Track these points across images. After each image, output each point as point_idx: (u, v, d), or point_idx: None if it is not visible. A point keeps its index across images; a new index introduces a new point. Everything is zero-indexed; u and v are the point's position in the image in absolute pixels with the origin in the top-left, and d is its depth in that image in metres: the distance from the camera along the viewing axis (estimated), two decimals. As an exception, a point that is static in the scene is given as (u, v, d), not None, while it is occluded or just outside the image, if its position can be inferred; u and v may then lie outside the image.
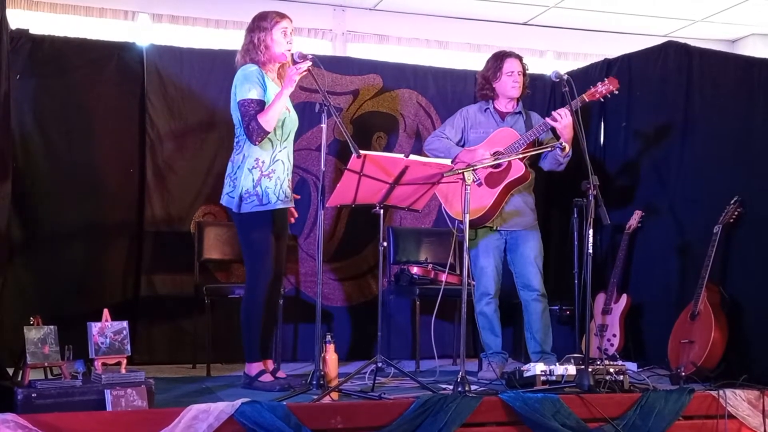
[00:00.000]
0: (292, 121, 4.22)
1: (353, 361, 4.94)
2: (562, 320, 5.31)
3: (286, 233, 4.36)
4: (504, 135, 4.72)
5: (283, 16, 4.19)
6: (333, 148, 5.51)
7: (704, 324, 4.45)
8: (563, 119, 4.54)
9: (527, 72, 4.88)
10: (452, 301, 4.98)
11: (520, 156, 4.54)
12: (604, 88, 4.64)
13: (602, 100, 4.70)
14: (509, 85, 4.78)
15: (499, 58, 4.83)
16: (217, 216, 5.22)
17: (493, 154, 4.65)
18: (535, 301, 4.76)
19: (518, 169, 4.64)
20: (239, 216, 4.13)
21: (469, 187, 3.97)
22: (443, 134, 4.90)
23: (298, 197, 4.40)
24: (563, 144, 4.38)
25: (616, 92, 4.66)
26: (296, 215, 4.43)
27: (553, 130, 4.69)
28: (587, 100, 4.64)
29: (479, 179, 4.68)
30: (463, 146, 4.84)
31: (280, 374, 4.24)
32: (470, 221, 4.66)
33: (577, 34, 7.62)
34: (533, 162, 4.84)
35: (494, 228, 4.75)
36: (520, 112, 4.86)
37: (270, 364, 4.27)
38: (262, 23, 4.16)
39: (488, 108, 4.87)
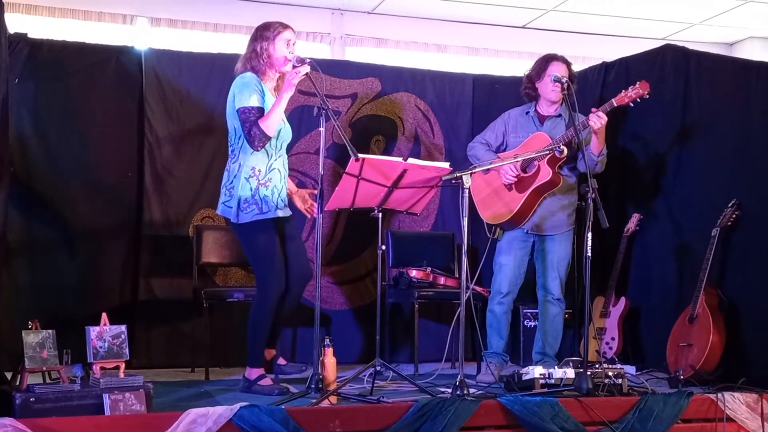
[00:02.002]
0: (287, 132, 4.24)
1: (352, 364, 4.94)
2: (563, 324, 5.31)
3: (299, 235, 4.37)
4: (537, 140, 4.72)
5: (286, 26, 4.19)
6: (331, 151, 5.51)
7: (703, 327, 4.45)
8: (598, 121, 4.52)
9: (575, 78, 4.82)
10: (454, 304, 4.97)
11: (533, 158, 4.54)
12: (634, 92, 4.55)
13: (632, 104, 4.61)
14: (549, 88, 4.77)
15: (545, 60, 4.83)
16: (216, 220, 5.22)
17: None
18: (549, 303, 4.79)
19: (545, 174, 4.64)
20: (239, 226, 4.13)
21: (467, 191, 3.97)
22: (483, 140, 4.94)
23: (316, 192, 4.39)
24: (561, 147, 4.39)
25: (647, 96, 4.56)
26: (314, 209, 4.37)
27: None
28: (616, 105, 4.58)
29: (510, 184, 4.72)
30: (504, 150, 4.86)
31: (281, 361, 4.27)
32: (500, 224, 4.74)
33: (575, 38, 7.63)
34: (573, 165, 4.83)
35: (523, 229, 4.76)
36: (560, 115, 4.85)
37: (271, 352, 4.28)
38: (265, 33, 4.17)
39: (530, 111, 4.89)
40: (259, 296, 4.18)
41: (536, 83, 4.84)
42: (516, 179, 4.72)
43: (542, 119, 4.85)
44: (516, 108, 4.99)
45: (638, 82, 4.59)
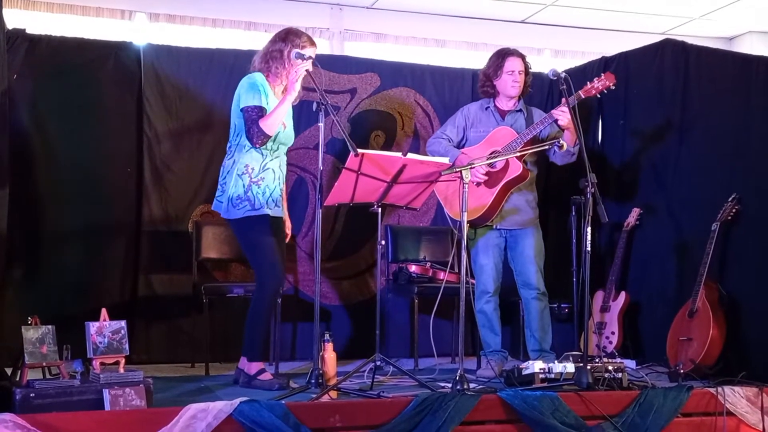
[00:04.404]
0: (286, 136, 4.25)
1: (352, 359, 4.94)
2: (560, 318, 5.31)
3: (283, 241, 4.38)
4: (502, 134, 4.71)
5: (313, 43, 4.25)
6: (331, 146, 5.51)
7: (702, 321, 4.45)
8: (563, 116, 4.52)
9: (530, 71, 4.85)
10: (451, 299, 4.98)
11: (518, 154, 4.54)
12: (601, 83, 4.58)
13: (599, 96, 4.67)
14: (509, 84, 4.77)
15: (501, 56, 4.81)
16: (215, 215, 5.19)
17: (490, 154, 4.64)
18: (535, 300, 4.76)
19: (516, 169, 4.63)
20: (232, 222, 4.19)
21: (467, 186, 3.97)
22: (444, 135, 4.90)
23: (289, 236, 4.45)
24: (561, 142, 4.37)
25: (613, 87, 4.61)
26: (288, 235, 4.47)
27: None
28: (583, 97, 4.60)
29: (477, 180, 4.68)
30: (464, 146, 4.84)
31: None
32: (470, 221, 4.68)
33: (575, 32, 7.63)
34: (545, 157, 4.83)
35: (493, 226, 4.75)
36: (520, 110, 4.84)
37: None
38: (296, 39, 4.20)
39: (489, 106, 4.86)
40: (258, 289, 4.21)
41: (494, 80, 4.81)
42: (486, 176, 4.70)
43: (503, 114, 4.83)
44: (474, 103, 4.98)
45: (603, 74, 4.64)
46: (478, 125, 4.84)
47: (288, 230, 4.48)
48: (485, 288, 4.77)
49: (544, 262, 4.82)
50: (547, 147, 4.53)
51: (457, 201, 4.67)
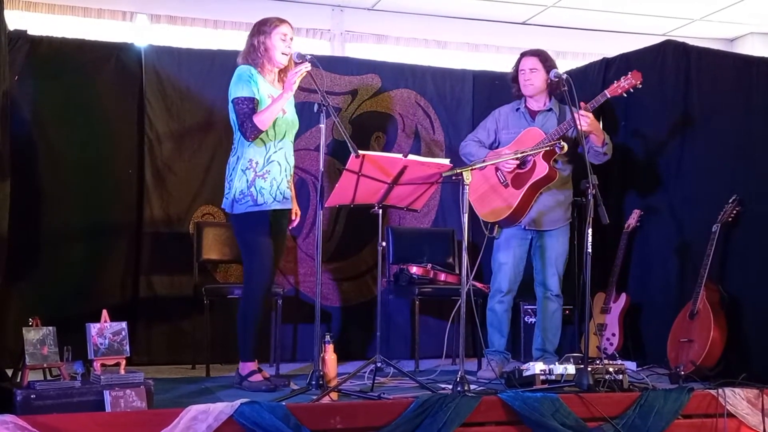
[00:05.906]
0: (287, 122, 4.22)
1: (352, 361, 4.95)
2: (562, 320, 5.30)
3: (284, 235, 4.37)
4: (530, 135, 4.70)
5: (282, 21, 4.24)
6: (331, 148, 5.51)
7: (703, 323, 4.45)
8: (583, 121, 4.46)
9: (551, 64, 4.79)
10: (453, 301, 4.98)
11: (521, 156, 4.54)
12: (627, 82, 4.53)
13: (625, 95, 4.61)
14: (522, 84, 4.78)
15: (518, 58, 4.83)
16: (216, 217, 5.23)
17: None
18: (548, 300, 4.77)
19: (542, 169, 4.62)
20: (234, 217, 4.18)
21: (467, 187, 3.97)
22: (476, 138, 4.92)
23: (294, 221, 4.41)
24: (562, 144, 4.37)
25: (640, 86, 4.56)
26: (295, 218, 4.42)
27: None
28: (609, 96, 4.57)
29: (506, 181, 4.69)
30: (497, 148, 4.85)
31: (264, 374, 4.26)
32: (498, 221, 4.69)
33: (576, 34, 7.63)
34: (580, 157, 4.80)
35: (522, 226, 4.74)
36: (551, 109, 4.83)
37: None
38: (262, 27, 4.22)
39: (520, 107, 4.87)
40: (246, 287, 4.21)
41: (516, 82, 4.83)
42: (512, 174, 4.70)
43: (533, 114, 4.84)
44: (506, 105, 4.98)
45: (630, 72, 4.59)
46: (509, 127, 4.85)
47: (295, 215, 4.40)
48: (499, 287, 4.77)
49: (565, 265, 4.80)
50: (547, 148, 4.52)
51: (487, 202, 4.70)
